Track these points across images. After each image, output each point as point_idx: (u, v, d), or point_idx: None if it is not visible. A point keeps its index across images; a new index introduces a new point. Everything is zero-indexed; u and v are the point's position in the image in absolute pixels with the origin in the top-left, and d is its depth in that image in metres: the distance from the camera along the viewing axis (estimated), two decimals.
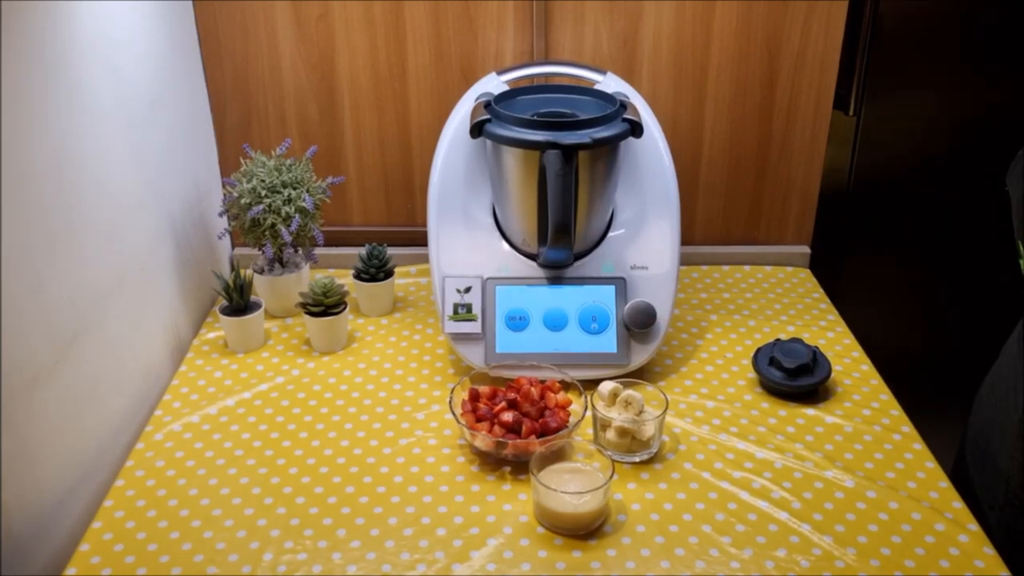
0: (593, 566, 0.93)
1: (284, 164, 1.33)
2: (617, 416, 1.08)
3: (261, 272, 1.38)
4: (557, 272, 1.24)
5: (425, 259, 1.35)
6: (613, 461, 1.00)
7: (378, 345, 1.33)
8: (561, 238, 1.15)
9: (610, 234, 1.26)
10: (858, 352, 1.31)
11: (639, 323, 1.20)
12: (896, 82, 1.56)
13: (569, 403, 1.12)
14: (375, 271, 1.38)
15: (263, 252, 1.34)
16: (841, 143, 1.59)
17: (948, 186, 1.65)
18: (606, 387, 1.11)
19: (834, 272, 1.63)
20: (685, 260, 1.53)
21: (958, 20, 1.53)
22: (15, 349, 0.89)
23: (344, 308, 1.31)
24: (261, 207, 1.29)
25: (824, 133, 1.49)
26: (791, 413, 1.17)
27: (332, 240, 1.50)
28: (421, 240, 1.32)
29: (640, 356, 1.22)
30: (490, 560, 0.94)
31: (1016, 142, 1.55)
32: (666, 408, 1.09)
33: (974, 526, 0.98)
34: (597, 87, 1.28)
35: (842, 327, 1.38)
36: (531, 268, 1.24)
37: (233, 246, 1.56)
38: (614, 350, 1.21)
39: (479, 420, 1.08)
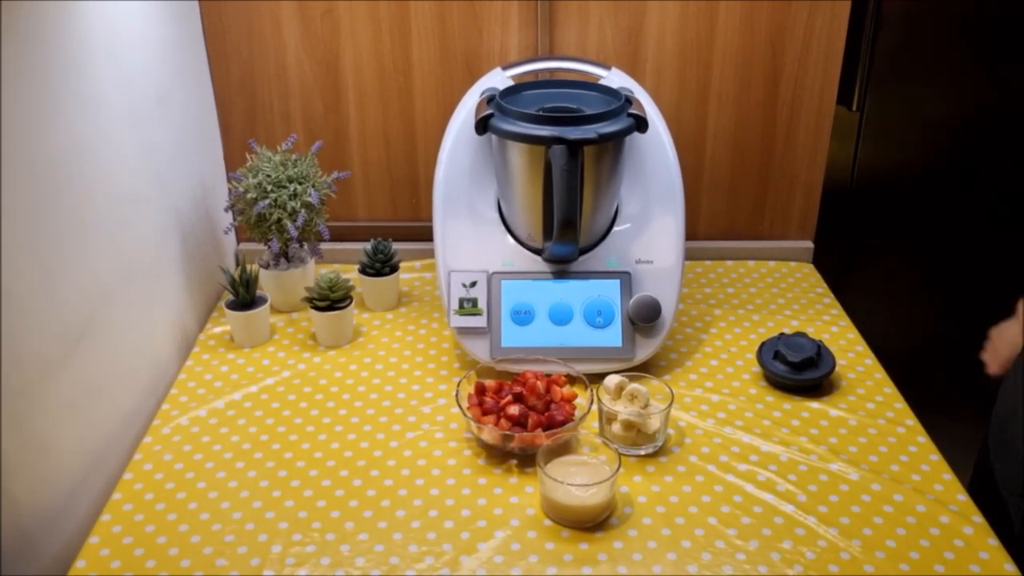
0: (600, 558, 0.94)
1: (289, 159, 1.34)
2: (623, 409, 1.08)
3: (267, 267, 1.38)
4: (562, 267, 1.24)
5: (430, 254, 1.36)
6: (619, 454, 1.01)
7: (384, 339, 1.33)
8: (566, 233, 1.15)
9: (615, 229, 1.27)
10: (862, 346, 1.31)
11: (644, 317, 1.21)
12: (899, 77, 1.57)
13: (575, 396, 1.13)
14: (380, 266, 1.39)
15: (269, 247, 1.34)
16: (844, 138, 1.59)
17: (951, 180, 1.65)
18: (612, 381, 1.12)
19: (837, 267, 1.64)
20: (689, 255, 1.53)
21: (961, 16, 1.53)
22: (25, 343, 0.90)
23: (350, 303, 1.31)
24: (267, 202, 1.29)
25: (828, 128, 1.50)
26: (796, 406, 1.18)
27: (337, 235, 1.50)
28: (426, 235, 1.32)
29: (645, 350, 1.22)
30: (497, 552, 0.94)
31: (1019, 137, 1.55)
32: (671, 401, 1.09)
33: (979, 518, 0.99)
34: (602, 83, 1.28)
35: (846, 321, 1.38)
36: (536, 263, 1.25)
37: (239, 241, 1.57)
38: (619, 344, 1.21)
39: (485, 413, 1.08)
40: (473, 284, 1.23)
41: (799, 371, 1.19)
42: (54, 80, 0.96)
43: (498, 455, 1.09)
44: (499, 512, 1.00)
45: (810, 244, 1.58)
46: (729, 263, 1.56)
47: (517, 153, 1.18)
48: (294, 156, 1.35)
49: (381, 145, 1.51)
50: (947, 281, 1.73)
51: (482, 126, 1.18)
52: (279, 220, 1.31)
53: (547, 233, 1.21)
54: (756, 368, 1.25)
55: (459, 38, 1.43)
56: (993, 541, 0.95)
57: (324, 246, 1.41)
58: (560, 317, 1.22)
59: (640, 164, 1.27)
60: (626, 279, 1.23)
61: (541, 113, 1.16)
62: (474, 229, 1.26)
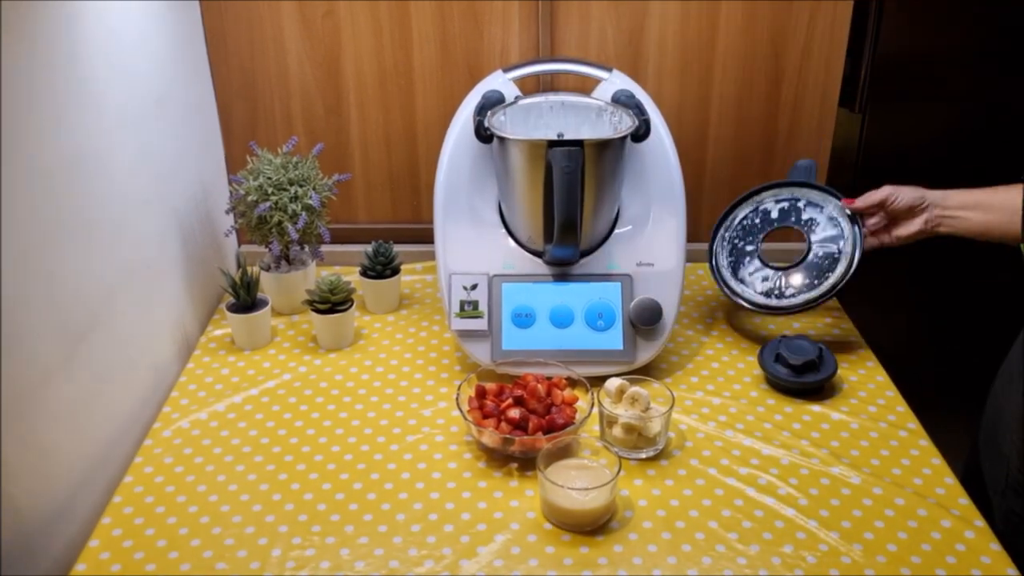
0: (600, 562, 0.94)
1: (290, 162, 1.34)
2: (623, 413, 1.08)
3: (268, 269, 1.38)
4: (563, 269, 1.24)
5: (431, 256, 1.36)
6: (620, 457, 1.01)
7: (385, 342, 1.33)
8: (567, 235, 1.15)
9: (616, 231, 1.26)
10: (864, 349, 1.31)
11: (645, 320, 1.21)
12: (901, 79, 1.56)
13: (575, 400, 1.12)
14: (381, 268, 1.38)
15: (270, 249, 1.34)
16: (846, 140, 1.59)
17: (953, 183, 1.64)
18: (612, 384, 1.12)
19: None
20: (690, 257, 1.52)
21: (963, 17, 1.53)
22: (26, 346, 0.90)
23: (351, 305, 1.31)
24: (268, 204, 1.29)
25: (830, 130, 1.49)
26: (797, 409, 1.17)
27: (338, 237, 1.50)
28: (427, 237, 1.32)
29: (646, 353, 1.22)
30: (497, 556, 0.94)
31: (1020, 140, 1.55)
32: (672, 404, 1.09)
33: (980, 522, 0.98)
34: (603, 84, 1.28)
35: (847, 324, 1.38)
36: (537, 265, 1.24)
37: (239, 243, 1.57)
38: (620, 347, 1.21)
39: (486, 417, 1.08)
40: (474, 287, 1.23)
41: (801, 374, 1.19)
42: (54, 82, 0.96)
43: (498, 458, 1.09)
44: (499, 516, 1.00)
45: None
46: None
47: (518, 155, 1.18)
48: (295, 158, 1.35)
49: (382, 147, 1.51)
50: (948, 284, 1.72)
51: (483, 133, 1.17)
52: (280, 223, 1.31)
53: (548, 235, 1.20)
54: (757, 371, 1.24)
55: (460, 40, 1.42)
56: (995, 545, 0.95)
57: (325, 248, 1.41)
58: (561, 320, 1.22)
59: (641, 166, 1.27)
60: (627, 281, 1.23)
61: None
62: (475, 231, 1.26)
